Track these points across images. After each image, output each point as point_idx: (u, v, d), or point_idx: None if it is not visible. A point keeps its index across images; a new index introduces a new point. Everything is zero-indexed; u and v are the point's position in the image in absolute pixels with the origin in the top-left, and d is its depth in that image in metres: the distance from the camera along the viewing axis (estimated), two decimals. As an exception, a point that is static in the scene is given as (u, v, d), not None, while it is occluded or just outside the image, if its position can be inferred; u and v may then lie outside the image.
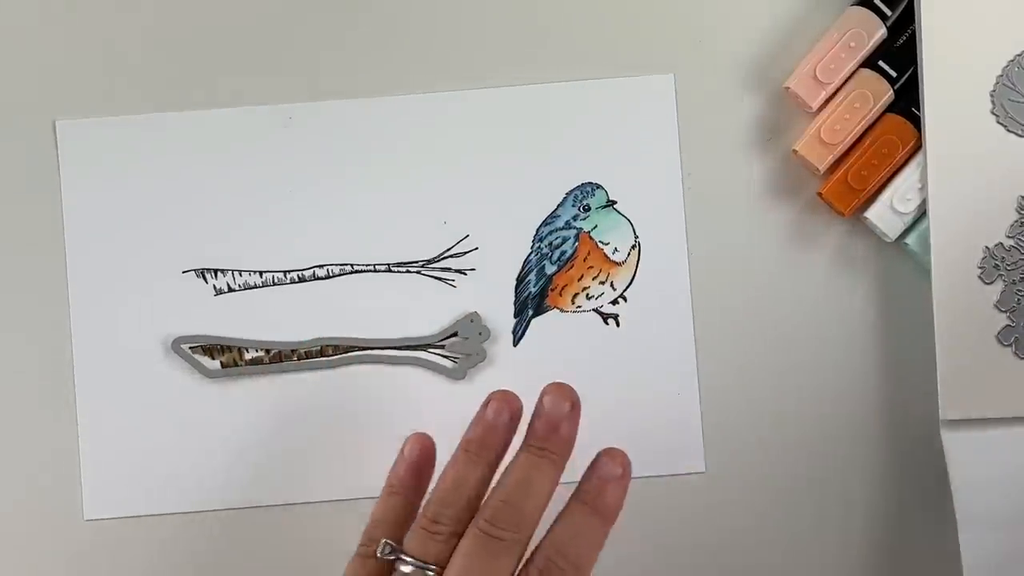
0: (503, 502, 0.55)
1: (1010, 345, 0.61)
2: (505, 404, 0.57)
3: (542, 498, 0.56)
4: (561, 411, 0.56)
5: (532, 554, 0.56)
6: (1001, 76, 0.61)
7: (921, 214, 0.62)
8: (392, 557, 0.55)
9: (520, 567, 0.55)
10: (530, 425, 0.57)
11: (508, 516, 0.55)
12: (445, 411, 0.62)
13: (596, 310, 0.64)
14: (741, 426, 0.64)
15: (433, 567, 0.54)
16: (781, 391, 0.64)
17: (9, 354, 0.64)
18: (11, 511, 0.64)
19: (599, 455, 0.57)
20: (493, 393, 0.58)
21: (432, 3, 0.64)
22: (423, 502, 0.57)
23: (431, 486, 0.59)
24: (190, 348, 0.64)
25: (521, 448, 0.57)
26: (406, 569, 0.54)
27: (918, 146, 0.62)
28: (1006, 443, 0.60)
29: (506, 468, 0.57)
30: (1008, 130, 0.61)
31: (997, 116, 0.61)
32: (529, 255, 0.64)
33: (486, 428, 0.57)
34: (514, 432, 0.58)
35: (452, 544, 0.55)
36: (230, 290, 0.64)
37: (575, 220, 0.64)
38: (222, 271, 0.64)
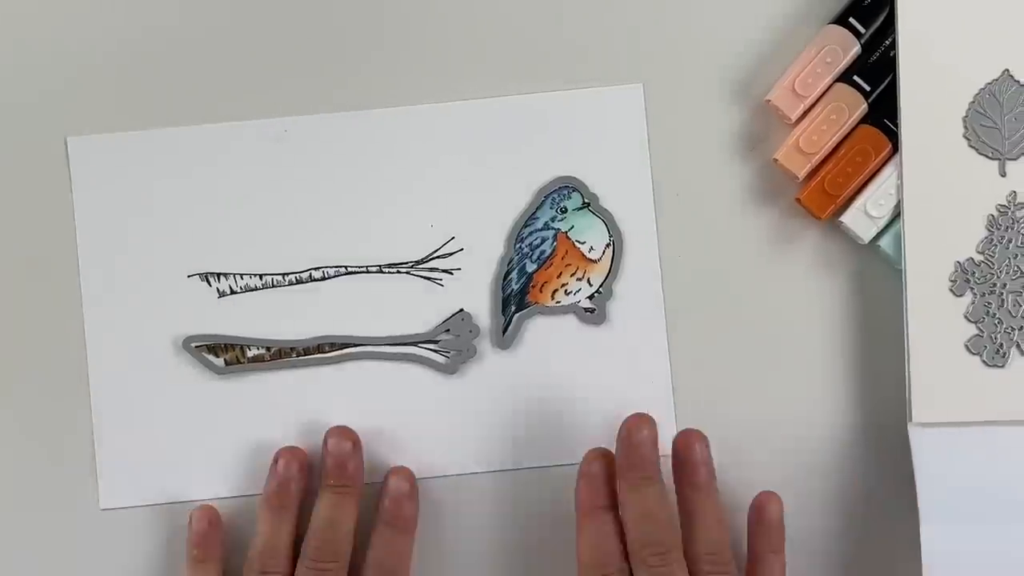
0: (321, 541, 0.60)
1: (978, 354, 0.61)
2: (292, 457, 0.62)
3: (350, 526, 0.61)
4: (345, 450, 0.62)
5: (360, 574, 0.61)
6: (973, 103, 0.62)
7: (893, 218, 0.63)
8: None
9: None
10: (323, 467, 0.62)
11: (327, 551, 0.60)
12: (438, 404, 0.64)
13: (574, 304, 0.64)
14: (715, 421, 0.63)
15: None
16: (757, 388, 0.64)
17: (27, 356, 0.64)
18: (30, 501, 0.64)
19: (387, 475, 0.63)
20: (280, 450, 0.63)
21: (418, 24, 0.65)
22: (249, 557, 0.61)
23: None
24: (197, 346, 0.64)
25: (321, 489, 0.62)
26: None
27: (890, 155, 0.63)
28: (971, 444, 0.61)
29: (314, 509, 0.62)
30: (979, 153, 0.62)
31: (969, 140, 0.62)
32: (511, 255, 0.64)
33: (281, 482, 0.62)
34: (306, 479, 0.63)
35: None
36: (232, 292, 0.64)
37: (553, 221, 0.64)
38: (225, 274, 0.64)
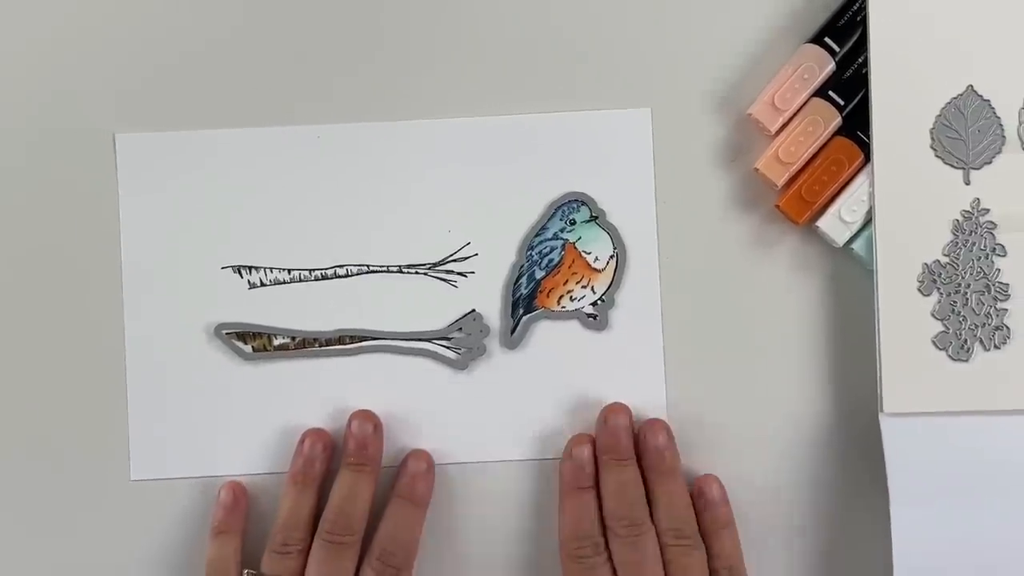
0: (337, 514, 0.62)
1: (944, 349, 0.62)
2: (318, 438, 0.63)
3: (366, 503, 0.62)
4: (367, 432, 0.63)
5: (370, 546, 0.62)
6: (939, 116, 0.63)
7: (865, 223, 0.63)
8: None
9: (363, 559, 0.62)
10: (344, 446, 0.63)
11: (343, 524, 0.62)
12: (448, 397, 0.65)
13: (578, 310, 0.65)
14: (704, 416, 0.65)
15: None
16: (741, 382, 0.65)
17: (70, 338, 0.65)
18: (67, 470, 0.65)
19: (407, 456, 0.64)
20: (307, 431, 0.64)
21: (447, 46, 0.65)
22: (273, 530, 0.63)
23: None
24: (227, 334, 0.64)
25: (341, 467, 0.63)
26: None
27: (863, 164, 0.63)
28: (937, 432, 0.62)
29: (333, 486, 0.63)
30: (944, 163, 0.63)
31: (935, 150, 0.63)
32: (522, 261, 0.65)
33: (306, 461, 0.63)
34: (330, 459, 0.64)
35: (302, 559, 0.62)
36: (262, 284, 0.65)
37: (562, 232, 0.65)
38: (256, 268, 0.65)
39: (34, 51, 0.66)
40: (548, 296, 0.65)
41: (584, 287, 0.65)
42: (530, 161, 0.65)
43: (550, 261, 0.65)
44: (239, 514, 0.64)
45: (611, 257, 0.65)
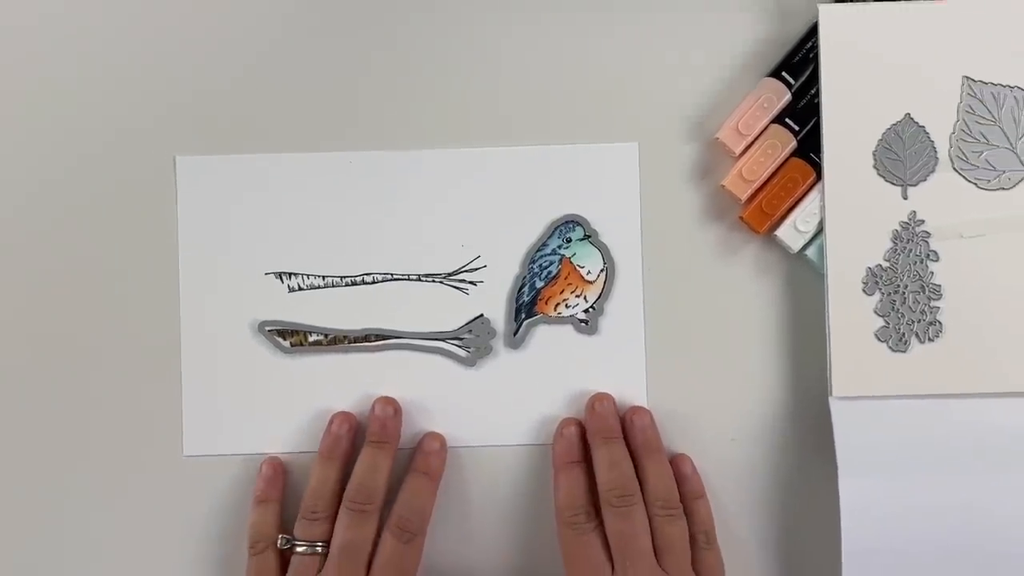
0: (359, 484, 0.65)
1: (885, 341, 0.65)
2: (344, 419, 0.66)
3: (385, 475, 0.65)
4: (387, 414, 0.66)
5: (390, 514, 0.65)
6: (881, 140, 0.65)
7: (817, 232, 0.66)
8: (288, 546, 0.65)
9: (383, 526, 0.65)
10: (368, 427, 0.66)
11: (365, 494, 0.65)
12: (459, 390, 0.68)
13: (572, 316, 0.68)
14: (678, 403, 0.68)
15: (320, 544, 0.64)
16: (710, 372, 0.68)
17: (133, 332, 0.68)
18: (128, 447, 0.68)
19: (423, 437, 0.67)
20: (335, 414, 0.66)
21: (463, 88, 0.68)
22: (303, 500, 0.66)
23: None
24: (269, 330, 0.67)
25: (364, 444, 0.66)
26: (301, 549, 0.64)
27: (815, 182, 0.66)
28: (879, 413, 0.64)
29: (357, 460, 0.66)
30: (885, 180, 0.65)
31: (877, 169, 0.65)
32: (524, 273, 0.67)
33: (333, 438, 0.66)
34: (355, 438, 0.67)
35: (328, 526, 0.64)
36: (300, 289, 0.67)
37: (560, 248, 0.67)
38: (295, 274, 0.67)
39: (106, 82, 0.69)
40: (546, 303, 0.68)
41: (578, 296, 0.68)
42: (534, 186, 0.68)
43: (549, 273, 0.68)
44: (278, 485, 0.67)
45: (602, 271, 0.68)
